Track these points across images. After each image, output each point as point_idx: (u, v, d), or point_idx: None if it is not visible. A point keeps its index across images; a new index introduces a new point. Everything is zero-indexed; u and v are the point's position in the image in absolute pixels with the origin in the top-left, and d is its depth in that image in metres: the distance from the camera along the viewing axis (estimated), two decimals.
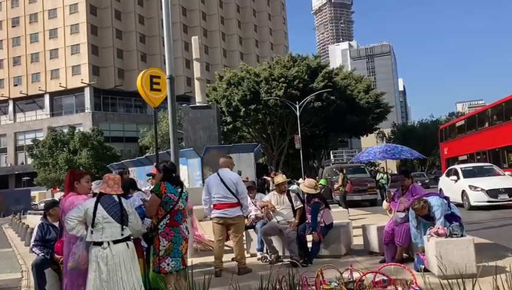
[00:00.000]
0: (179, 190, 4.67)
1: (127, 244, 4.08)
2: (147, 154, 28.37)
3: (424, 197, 6.11)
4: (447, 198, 6.20)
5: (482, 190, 14.47)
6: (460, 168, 16.48)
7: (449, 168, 18.01)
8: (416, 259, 6.07)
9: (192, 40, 21.29)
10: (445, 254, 5.19)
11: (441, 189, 16.69)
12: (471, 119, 23.08)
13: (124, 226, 4.07)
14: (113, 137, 55.24)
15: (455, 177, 16.05)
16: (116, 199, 4.13)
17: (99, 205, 4.03)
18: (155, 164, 7.98)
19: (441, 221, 5.80)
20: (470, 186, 14.87)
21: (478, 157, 20.87)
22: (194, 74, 22.62)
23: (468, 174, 15.86)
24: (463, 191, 15.13)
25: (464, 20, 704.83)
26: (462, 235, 5.65)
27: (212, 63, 67.01)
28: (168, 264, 4.48)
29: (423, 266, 5.65)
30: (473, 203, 14.58)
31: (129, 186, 5.46)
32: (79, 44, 56.50)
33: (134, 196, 5.44)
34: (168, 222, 4.56)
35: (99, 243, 3.97)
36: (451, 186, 15.92)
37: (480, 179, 15.15)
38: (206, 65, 54.38)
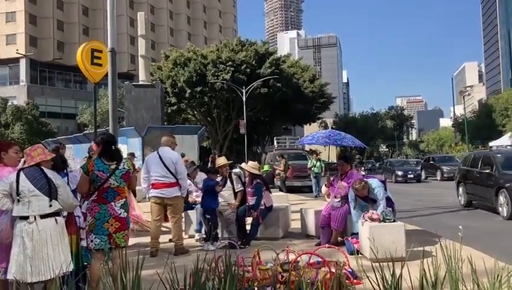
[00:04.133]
0: (112, 166, 4.42)
1: (55, 219, 3.87)
2: (85, 132, 27.29)
3: (365, 179, 6.34)
4: (383, 182, 6.43)
5: None
6: None
7: None
8: (346, 243, 6.28)
9: (138, 16, 20.56)
10: (377, 238, 5.37)
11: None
12: None
13: (53, 200, 3.85)
14: (50, 112, 52.58)
15: None
16: (44, 171, 3.90)
17: (25, 179, 3.78)
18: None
19: (384, 202, 6.02)
20: None
21: None
22: (138, 51, 21.88)
23: None
24: None
25: (406, 20, 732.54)
26: (394, 221, 5.89)
27: (158, 42, 65.21)
28: (91, 241, 4.30)
29: (356, 246, 5.81)
30: None
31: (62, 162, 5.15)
32: (15, 12, 52.92)
33: (74, 172, 5.15)
34: (95, 198, 4.36)
35: (26, 218, 3.74)
36: None
37: None
38: (151, 43, 52.64)
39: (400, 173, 25.74)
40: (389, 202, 6.24)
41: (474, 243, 6.13)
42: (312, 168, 17.67)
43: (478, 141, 55.80)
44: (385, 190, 6.31)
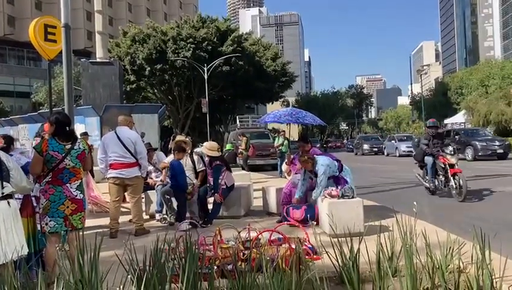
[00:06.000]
0: (67, 147, 4.27)
1: (8, 202, 3.70)
2: (40, 111, 26.30)
3: (314, 156, 6.46)
4: (339, 161, 6.58)
5: None
6: None
7: None
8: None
9: None
10: (336, 214, 5.48)
11: None
12: None
13: (5, 183, 3.68)
14: (2, 91, 50.27)
15: None
16: None
17: None
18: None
19: (322, 178, 6.29)
20: None
21: None
22: (95, 27, 21.16)
23: None
24: None
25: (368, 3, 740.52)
26: (353, 197, 6.02)
27: (116, 18, 63.09)
28: (46, 224, 4.16)
29: (315, 223, 5.90)
30: None
31: (9, 143, 4.97)
32: None
33: (15, 154, 4.95)
34: (50, 180, 4.20)
35: None
36: None
37: None
38: (109, 19, 50.79)
39: None
40: (345, 180, 6.41)
41: (429, 217, 6.36)
42: (280, 147, 16.53)
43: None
44: (341, 169, 6.47)
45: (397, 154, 28.91)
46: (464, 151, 21.12)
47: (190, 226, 6.49)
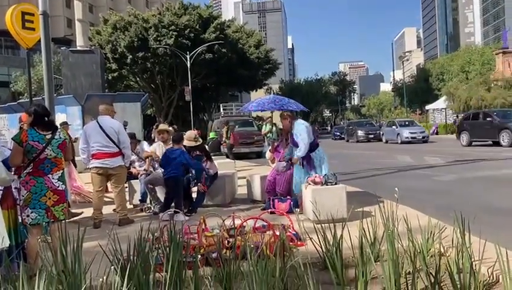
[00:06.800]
0: (47, 136, 4.21)
1: None
2: (20, 101, 25.82)
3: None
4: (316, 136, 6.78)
5: None
6: None
7: None
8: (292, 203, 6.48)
9: None
10: (320, 201, 5.52)
11: None
12: None
13: None
14: None
15: None
16: None
17: None
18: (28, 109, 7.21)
19: (304, 137, 6.45)
20: None
21: None
22: (75, 14, 20.80)
23: None
24: None
25: None
26: (336, 184, 6.07)
27: (96, 5, 61.90)
28: (28, 216, 4.11)
29: (298, 210, 5.95)
30: None
31: None
32: None
33: None
34: (30, 171, 4.14)
35: None
36: None
37: None
38: (89, 6, 49.90)
39: None
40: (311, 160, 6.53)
41: (411, 202, 6.46)
42: (268, 134, 15.65)
43: (415, 105, 58.18)
44: (315, 147, 6.63)
45: (399, 141, 26.73)
46: (498, 136, 19.21)
47: (189, 217, 6.43)
